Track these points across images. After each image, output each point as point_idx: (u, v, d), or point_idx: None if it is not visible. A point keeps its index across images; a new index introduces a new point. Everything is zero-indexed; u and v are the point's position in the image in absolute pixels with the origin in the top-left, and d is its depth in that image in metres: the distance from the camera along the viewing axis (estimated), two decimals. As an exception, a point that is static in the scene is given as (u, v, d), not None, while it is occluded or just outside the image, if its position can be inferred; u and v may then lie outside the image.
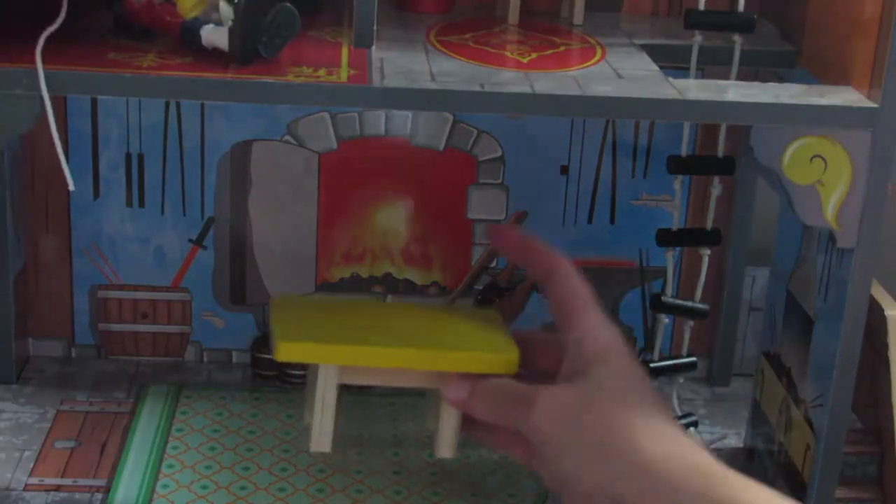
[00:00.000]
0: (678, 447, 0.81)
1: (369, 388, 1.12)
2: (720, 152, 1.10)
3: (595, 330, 0.88)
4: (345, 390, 0.94)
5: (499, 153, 1.18)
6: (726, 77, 1.01)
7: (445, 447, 0.94)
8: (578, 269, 0.92)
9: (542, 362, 0.92)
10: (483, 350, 0.92)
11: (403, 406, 1.17)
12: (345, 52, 0.94)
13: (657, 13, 1.15)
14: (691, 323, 1.14)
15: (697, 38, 1.03)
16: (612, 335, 0.88)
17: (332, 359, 0.90)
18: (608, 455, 0.82)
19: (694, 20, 1.01)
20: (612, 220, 1.21)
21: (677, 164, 1.09)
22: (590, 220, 1.21)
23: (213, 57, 0.89)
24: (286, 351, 0.89)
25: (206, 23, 0.90)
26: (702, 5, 1.01)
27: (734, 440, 1.16)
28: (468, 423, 0.93)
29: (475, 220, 1.20)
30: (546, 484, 0.87)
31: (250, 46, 0.88)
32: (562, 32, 1.06)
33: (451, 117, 1.17)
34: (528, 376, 0.91)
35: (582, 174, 1.20)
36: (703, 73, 1.04)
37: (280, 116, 1.16)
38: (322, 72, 0.88)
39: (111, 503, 1.00)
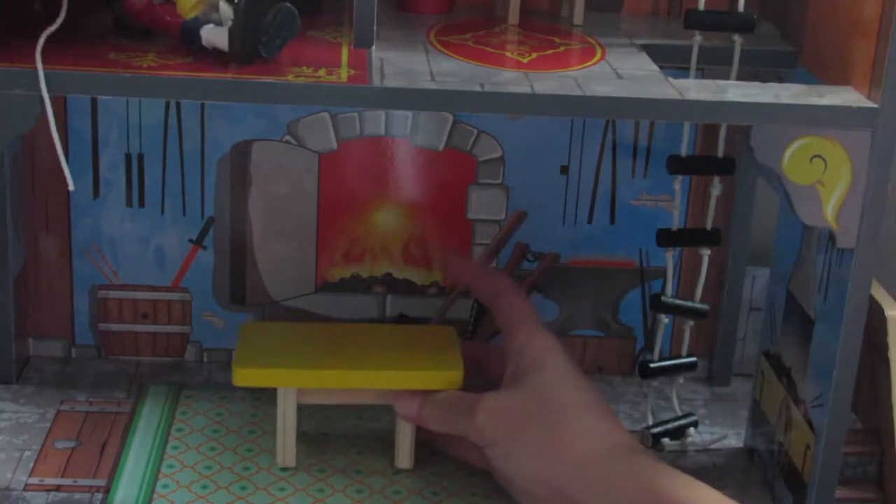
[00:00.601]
0: (604, 437, 0.94)
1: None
2: (720, 152, 1.10)
3: (533, 338, 1.00)
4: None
5: (499, 153, 1.18)
6: (726, 77, 1.01)
7: (403, 458, 1.06)
8: (521, 290, 1.08)
9: (494, 371, 1.04)
10: (429, 368, 1.03)
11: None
12: (345, 52, 0.94)
13: (657, 13, 1.15)
14: (691, 323, 1.14)
15: (697, 38, 1.03)
16: (549, 343, 1.01)
17: (288, 382, 1.00)
18: (546, 453, 0.94)
19: (694, 20, 1.01)
20: (612, 220, 1.21)
21: (677, 164, 1.09)
22: (590, 220, 1.21)
23: (213, 57, 0.89)
24: (242, 377, 1.01)
25: (206, 23, 0.90)
26: (702, 5, 1.01)
27: (734, 440, 1.16)
28: (427, 434, 1.05)
29: (475, 220, 1.20)
30: (497, 481, 1.00)
31: (250, 46, 0.88)
32: (562, 32, 1.06)
33: (451, 117, 1.17)
34: (484, 386, 1.02)
35: (582, 174, 1.20)
36: (703, 73, 1.04)
37: (280, 116, 1.16)
38: (322, 72, 0.88)
39: (111, 503, 1.00)
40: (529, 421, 0.96)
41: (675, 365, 1.13)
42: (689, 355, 1.15)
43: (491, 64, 0.94)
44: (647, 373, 1.12)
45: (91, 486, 1.02)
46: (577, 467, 0.93)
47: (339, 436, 1.11)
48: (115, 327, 1.22)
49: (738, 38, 1.02)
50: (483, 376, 1.06)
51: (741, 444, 1.16)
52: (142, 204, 1.18)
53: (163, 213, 1.19)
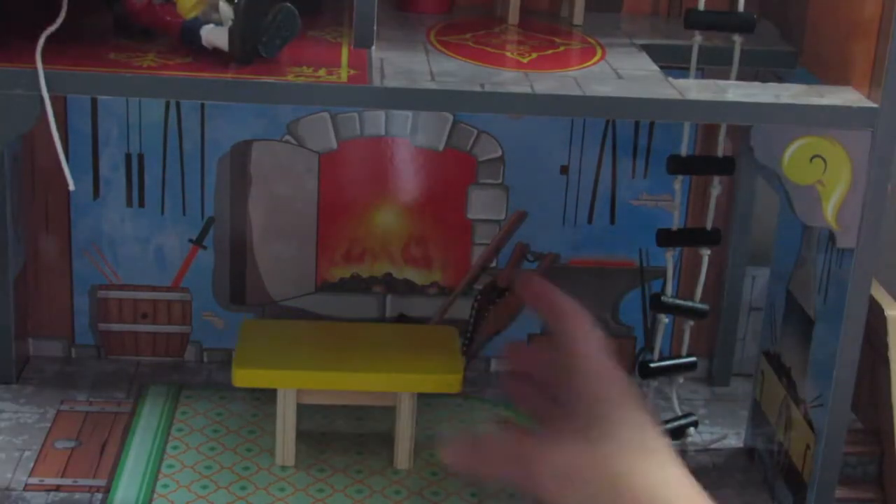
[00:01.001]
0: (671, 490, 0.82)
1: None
2: (720, 152, 1.10)
3: (596, 382, 0.87)
4: None
5: (499, 153, 1.18)
6: (726, 77, 1.01)
7: (403, 458, 1.06)
8: (589, 316, 0.92)
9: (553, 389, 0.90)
10: (429, 370, 1.03)
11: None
12: (345, 52, 0.94)
13: (657, 13, 1.15)
14: (691, 323, 1.14)
15: (697, 38, 1.03)
16: (614, 383, 0.87)
17: (288, 383, 1.00)
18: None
19: (694, 20, 1.01)
20: (612, 220, 1.21)
21: (677, 164, 1.09)
22: (590, 220, 1.21)
23: (213, 57, 0.89)
24: (242, 377, 1.01)
25: (206, 23, 0.90)
26: (702, 5, 1.01)
27: (734, 440, 1.16)
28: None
29: (475, 220, 1.20)
30: None
31: (250, 46, 0.88)
32: (562, 32, 1.06)
33: (451, 117, 1.17)
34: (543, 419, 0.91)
35: (582, 174, 1.20)
36: (703, 73, 1.04)
37: (280, 116, 1.16)
38: (322, 72, 0.88)
39: (111, 503, 1.00)
40: (592, 475, 0.85)
41: (674, 365, 1.13)
42: (689, 355, 1.15)
43: (491, 64, 0.94)
44: (647, 373, 1.12)
45: (91, 486, 1.02)
46: None
47: (339, 436, 1.11)
48: (115, 327, 1.22)
49: (738, 38, 1.02)
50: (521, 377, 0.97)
51: (741, 444, 1.16)
52: (142, 204, 1.18)
53: (163, 213, 1.19)
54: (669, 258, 1.12)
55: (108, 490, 1.02)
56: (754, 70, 1.06)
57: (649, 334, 1.24)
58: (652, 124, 1.18)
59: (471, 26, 1.05)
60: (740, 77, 1.01)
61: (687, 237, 1.13)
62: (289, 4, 0.88)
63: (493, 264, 1.22)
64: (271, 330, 1.11)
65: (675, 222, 1.11)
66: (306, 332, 1.11)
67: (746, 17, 1.01)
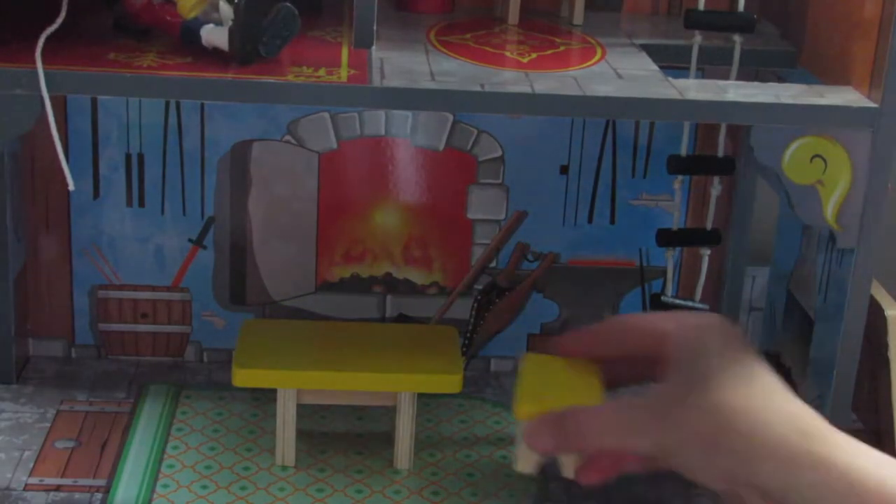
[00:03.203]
0: (772, 415, 0.81)
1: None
2: (720, 152, 1.10)
3: (679, 327, 0.88)
4: None
5: (499, 153, 1.18)
6: (726, 77, 1.01)
7: (403, 458, 1.06)
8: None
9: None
10: (429, 371, 1.03)
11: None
12: (345, 52, 0.94)
13: (657, 13, 1.15)
14: (691, 323, 1.14)
15: (697, 38, 1.03)
16: (697, 322, 0.89)
17: (288, 383, 1.00)
18: (724, 449, 0.81)
19: (694, 20, 1.01)
20: (612, 220, 1.21)
21: (677, 164, 1.09)
22: (590, 220, 1.21)
23: (213, 57, 0.89)
24: (242, 377, 1.01)
25: (206, 23, 0.90)
26: (702, 5, 1.01)
27: (734, 440, 1.16)
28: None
29: (475, 220, 1.20)
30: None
31: (250, 46, 0.88)
32: (562, 32, 1.06)
33: (451, 117, 1.17)
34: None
35: (582, 174, 1.20)
36: (703, 73, 1.04)
37: (280, 116, 1.16)
38: (322, 72, 0.89)
39: (111, 503, 1.00)
40: (698, 421, 0.84)
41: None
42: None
43: (491, 64, 0.94)
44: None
45: (91, 486, 1.02)
46: (761, 459, 0.81)
47: (339, 436, 1.11)
48: (115, 327, 1.22)
49: (738, 38, 1.02)
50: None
51: (741, 444, 1.16)
52: (142, 204, 1.18)
53: (163, 213, 1.19)
54: (669, 258, 1.12)
55: (108, 490, 1.02)
56: (754, 70, 1.06)
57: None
58: (652, 124, 1.18)
59: (471, 26, 1.05)
60: (740, 77, 1.01)
61: (687, 237, 1.13)
62: (289, 4, 0.88)
63: (493, 264, 1.22)
64: (271, 330, 1.11)
65: (675, 222, 1.11)
66: (306, 332, 1.11)
67: (746, 17, 1.01)
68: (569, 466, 0.91)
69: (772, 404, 0.83)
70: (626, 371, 0.93)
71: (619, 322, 0.98)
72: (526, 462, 0.91)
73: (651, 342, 0.89)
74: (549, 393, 0.92)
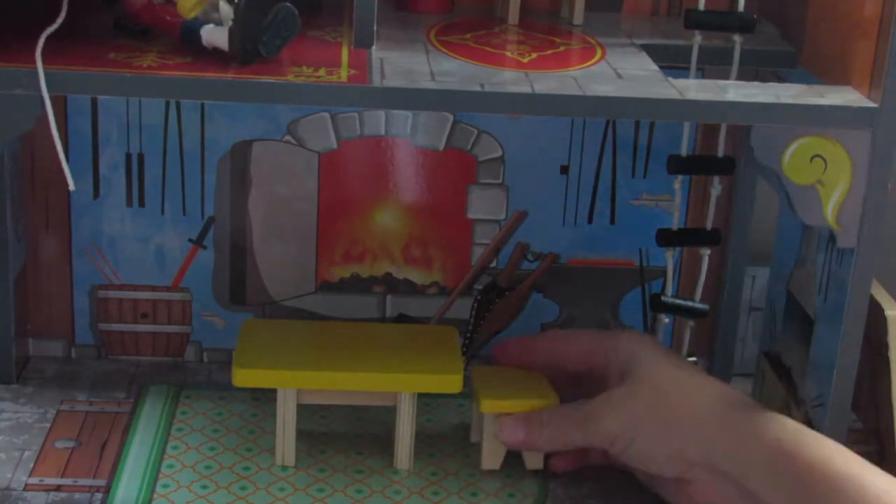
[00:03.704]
0: (711, 394, 0.97)
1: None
2: (720, 152, 1.10)
3: (618, 343, 1.04)
4: None
5: (499, 153, 1.18)
6: (726, 77, 1.01)
7: (403, 458, 1.06)
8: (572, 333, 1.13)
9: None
10: (429, 372, 1.04)
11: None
12: (345, 52, 0.94)
13: (657, 13, 1.15)
14: (691, 323, 1.14)
15: (697, 38, 1.03)
16: (635, 337, 1.05)
17: (288, 383, 1.00)
18: (663, 426, 0.96)
19: (694, 20, 1.01)
20: (612, 220, 1.21)
21: (677, 164, 1.09)
22: (590, 220, 1.21)
23: (213, 57, 0.89)
24: (242, 377, 1.01)
25: (206, 23, 0.90)
26: (702, 5, 1.01)
27: (734, 440, 1.16)
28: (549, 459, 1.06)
29: (475, 220, 1.20)
30: (629, 467, 1.02)
31: (250, 46, 0.88)
32: (562, 32, 1.06)
33: (451, 117, 1.17)
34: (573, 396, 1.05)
35: (582, 174, 1.20)
36: (703, 73, 1.04)
37: (280, 116, 1.16)
38: (322, 72, 0.89)
39: (111, 503, 1.00)
40: (642, 405, 0.98)
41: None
42: (689, 355, 1.15)
43: (491, 64, 0.94)
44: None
45: (91, 486, 1.02)
46: (696, 428, 0.95)
47: (339, 436, 1.11)
48: (115, 327, 1.22)
49: (738, 38, 1.02)
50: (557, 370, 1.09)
51: (741, 444, 1.16)
52: (142, 204, 1.18)
53: (163, 213, 1.19)
54: (669, 258, 1.12)
55: (108, 490, 1.02)
56: (754, 70, 1.06)
57: (649, 334, 1.24)
58: (652, 124, 1.18)
59: (471, 26, 1.05)
60: (740, 77, 1.01)
61: (687, 237, 1.13)
62: (289, 4, 0.88)
63: (493, 264, 1.22)
64: (271, 330, 1.11)
65: (675, 222, 1.11)
66: (306, 332, 1.11)
67: (746, 17, 1.01)
68: (531, 460, 1.05)
69: (712, 389, 0.98)
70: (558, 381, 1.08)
71: (556, 334, 1.12)
72: (491, 459, 1.05)
73: (586, 354, 1.06)
74: (509, 392, 1.05)
